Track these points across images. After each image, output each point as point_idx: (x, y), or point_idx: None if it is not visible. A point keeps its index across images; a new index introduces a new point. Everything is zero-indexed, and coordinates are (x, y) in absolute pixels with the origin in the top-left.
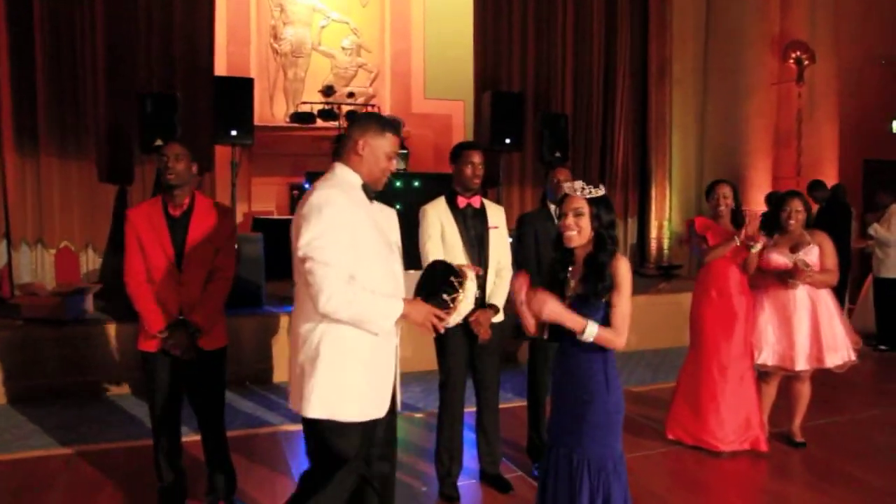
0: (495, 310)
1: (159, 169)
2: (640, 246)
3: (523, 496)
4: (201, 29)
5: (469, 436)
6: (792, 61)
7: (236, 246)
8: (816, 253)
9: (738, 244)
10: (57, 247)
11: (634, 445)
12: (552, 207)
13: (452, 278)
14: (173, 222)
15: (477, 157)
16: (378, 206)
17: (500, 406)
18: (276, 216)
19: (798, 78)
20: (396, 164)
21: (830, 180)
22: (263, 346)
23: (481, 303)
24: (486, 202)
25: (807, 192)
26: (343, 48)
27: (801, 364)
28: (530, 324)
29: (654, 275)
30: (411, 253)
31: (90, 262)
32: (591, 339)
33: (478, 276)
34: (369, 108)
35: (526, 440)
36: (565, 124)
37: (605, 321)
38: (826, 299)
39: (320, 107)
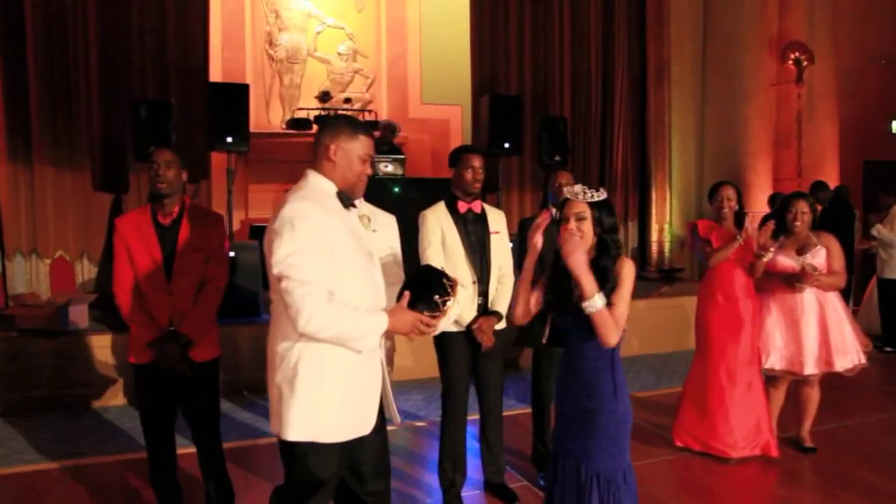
0: (498, 317)
1: (149, 176)
2: (641, 249)
3: None
4: (195, 35)
5: (472, 445)
6: (791, 62)
7: (232, 254)
8: (824, 255)
9: (743, 245)
10: (52, 257)
11: (641, 453)
12: (553, 211)
13: (445, 280)
14: (162, 231)
15: (477, 161)
16: (368, 209)
17: (504, 414)
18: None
19: (797, 79)
20: (375, 168)
21: (831, 181)
22: (261, 355)
23: (484, 309)
24: (487, 207)
25: (809, 193)
26: (339, 54)
27: (811, 368)
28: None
29: (655, 278)
30: (412, 259)
31: (85, 271)
32: (592, 310)
33: (479, 283)
34: (366, 114)
35: (531, 448)
36: (564, 127)
37: None
38: (834, 301)
39: (317, 113)
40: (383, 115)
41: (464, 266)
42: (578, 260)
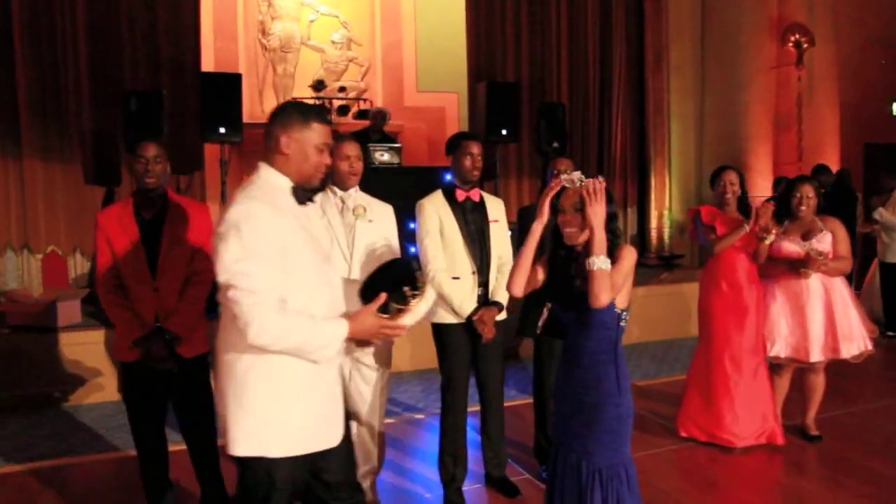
0: (499, 307)
1: (135, 170)
2: (641, 236)
3: (531, 500)
4: (186, 24)
5: (473, 437)
6: (791, 45)
7: None
8: (829, 240)
9: (748, 231)
10: (43, 252)
11: (644, 443)
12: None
13: (418, 274)
14: (146, 224)
15: (476, 148)
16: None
17: (504, 404)
18: None
19: (797, 61)
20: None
21: (832, 165)
22: None
23: (484, 300)
24: (486, 195)
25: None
26: (333, 42)
27: (816, 355)
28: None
29: (655, 265)
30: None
31: (78, 266)
32: (594, 267)
33: (479, 273)
34: (361, 103)
35: (532, 441)
36: (562, 114)
37: (614, 320)
38: (840, 287)
39: (311, 102)
40: (379, 104)
41: (463, 256)
42: (597, 212)
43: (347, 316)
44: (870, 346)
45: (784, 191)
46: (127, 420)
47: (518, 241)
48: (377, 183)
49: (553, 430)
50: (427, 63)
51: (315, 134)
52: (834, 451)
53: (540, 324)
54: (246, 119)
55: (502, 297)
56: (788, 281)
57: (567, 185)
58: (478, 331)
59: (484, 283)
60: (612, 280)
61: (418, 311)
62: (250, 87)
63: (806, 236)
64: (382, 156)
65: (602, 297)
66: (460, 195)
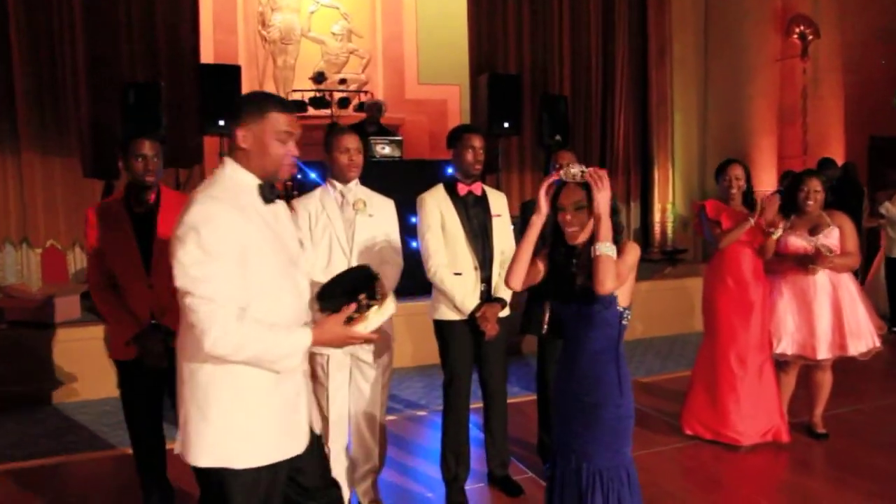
0: (502, 304)
1: (133, 168)
2: (644, 230)
3: (535, 499)
4: (185, 16)
5: (476, 435)
6: (795, 36)
7: None
8: (837, 235)
9: (754, 225)
10: (43, 246)
11: (647, 441)
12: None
13: (377, 283)
14: (139, 220)
15: (478, 141)
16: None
17: (507, 401)
18: None
19: (802, 53)
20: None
21: (837, 158)
22: None
23: (487, 297)
24: (488, 189)
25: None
26: (333, 34)
27: (823, 352)
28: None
29: (658, 259)
30: (408, 247)
31: (78, 261)
32: (600, 253)
33: (481, 269)
34: (362, 95)
35: (536, 438)
36: (565, 106)
37: (616, 318)
38: (848, 283)
39: (311, 94)
40: (379, 96)
41: (465, 251)
42: (605, 198)
43: (313, 324)
44: (878, 343)
45: (790, 185)
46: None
47: (521, 235)
48: (377, 176)
49: (554, 431)
50: (428, 55)
51: (273, 123)
52: (841, 449)
53: (544, 325)
54: None
55: (505, 293)
56: (795, 277)
57: (567, 180)
58: (480, 328)
59: (487, 279)
60: (620, 267)
61: (371, 322)
62: (250, 79)
63: (813, 231)
64: (383, 149)
65: (607, 283)
66: (462, 189)
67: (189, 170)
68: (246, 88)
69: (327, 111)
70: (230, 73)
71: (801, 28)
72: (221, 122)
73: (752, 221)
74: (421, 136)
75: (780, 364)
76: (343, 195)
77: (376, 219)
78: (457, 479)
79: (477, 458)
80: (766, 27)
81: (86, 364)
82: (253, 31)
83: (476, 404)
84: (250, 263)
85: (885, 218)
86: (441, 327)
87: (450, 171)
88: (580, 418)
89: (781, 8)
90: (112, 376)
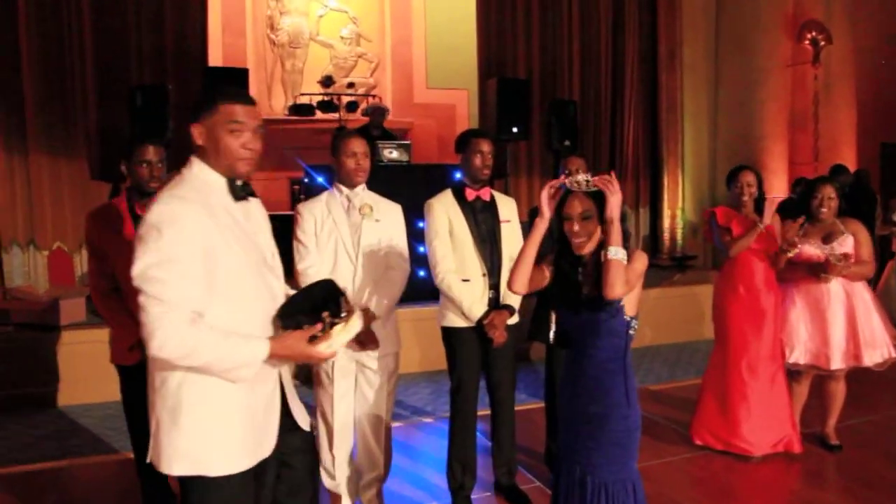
0: (511, 311)
1: (138, 174)
2: (653, 237)
3: None
4: (193, 19)
5: (482, 443)
6: (807, 42)
7: None
8: (851, 243)
9: (764, 231)
10: (50, 248)
11: (656, 451)
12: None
13: (343, 300)
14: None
15: (486, 146)
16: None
17: (515, 408)
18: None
19: (814, 59)
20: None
21: (849, 165)
22: None
23: (495, 304)
24: (496, 194)
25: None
26: (342, 38)
27: (837, 363)
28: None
29: (667, 266)
30: (416, 252)
31: (84, 263)
32: (612, 256)
33: (490, 276)
34: (370, 99)
35: (543, 447)
36: (574, 111)
37: (623, 327)
38: (862, 292)
39: (319, 98)
40: (388, 100)
41: (473, 257)
42: (617, 202)
43: (275, 337)
44: (893, 353)
45: (804, 192)
46: None
47: None
48: (384, 180)
49: (559, 442)
50: (437, 59)
51: (223, 115)
52: (854, 460)
53: (551, 335)
54: None
55: (514, 300)
56: (808, 285)
57: (572, 189)
58: (488, 335)
59: (495, 286)
60: (629, 273)
61: (336, 341)
62: (259, 82)
63: (826, 239)
64: (391, 153)
65: (617, 287)
66: (470, 194)
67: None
68: (254, 91)
69: (335, 115)
70: (237, 76)
71: (813, 34)
72: None
73: (760, 227)
74: (429, 141)
75: (793, 374)
76: (349, 200)
77: (383, 224)
78: (463, 487)
79: (483, 466)
80: (778, 32)
81: (90, 367)
82: (261, 34)
83: (483, 411)
84: (219, 263)
85: None
86: (449, 334)
87: (458, 175)
88: (586, 429)
89: (793, 13)
90: (115, 380)
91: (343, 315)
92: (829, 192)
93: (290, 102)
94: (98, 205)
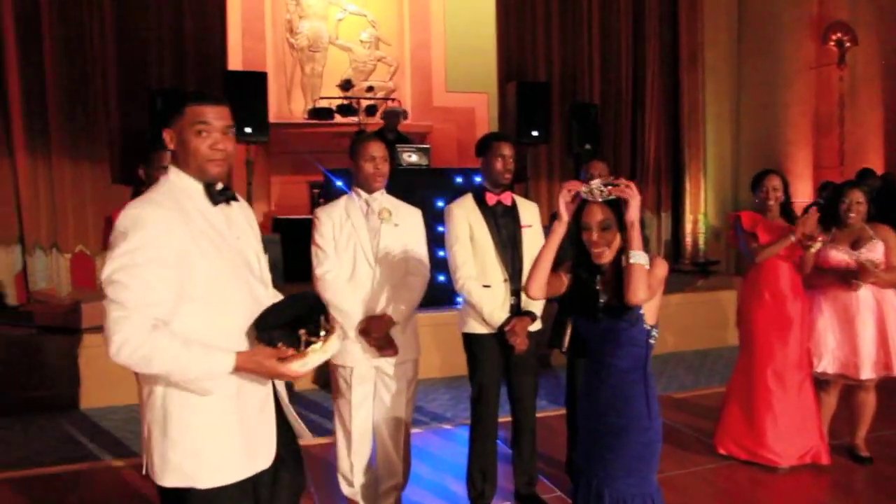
0: (532, 317)
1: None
2: (675, 242)
3: None
4: (213, 23)
5: (503, 450)
6: (832, 44)
7: None
8: (881, 249)
9: (794, 241)
10: (72, 251)
11: (680, 460)
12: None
13: (323, 318)
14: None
15: (508, 149)
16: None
17: (536, 416)
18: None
19: (839, 61)
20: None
21: (877, 168)
22: None
23: (517, 310)
24: (518, 199)
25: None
26: (361, 41)
27: (867, 372)
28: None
29: (690, 271)
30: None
31: None
32: (634, 261)
33: (511, 281)
34: (389, 103)
35: (565, 456)
36: (594, 115)
37: (643, 336)
38: (892, 299)
39: (339, 102)
40: (407, 104)
41: (494, 263)
42: (638, 206)
43: (246, 351)
44: None
45: (831, 197)
46: None
47: None
48: (404, 184)
49: (578, 453)
50: (456, 63)
51: (189, 117)
52: (885, 473)
53: (566, 342)
54: (273, 119)
55: (536, 306)
56: (836, 292)
57: (588, 198)
58: (509, 342)
59: (516, 292)
60: (651, 278)
61: (310, 360)
62: (278, 86)
63: (855, 245)
64: (410, 157)
65: (640, 292)
66: (491, 199)
67: None
68: (273, 95)
69: (355, 119)
70: (257, 80)
71: (839, 35)
72: (248, 130)
73: (792, 238)
74: (449, 145)
75: (821, 383)
76: (368, 204)
77: (402, 228)
78: (482, 496)
79: (503, 474)
80: (802, 34)
81: (112, 370)
82: (281, 38)
83: (504, 418)
84: (195, 268)
85: None
86: (470, 341)
87: (478, 179)
88: (605, 440)
89: (818, 14)
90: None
91: (322, 334)
92: (857, 196)
93: (310, 106)
94: (118, 208)
